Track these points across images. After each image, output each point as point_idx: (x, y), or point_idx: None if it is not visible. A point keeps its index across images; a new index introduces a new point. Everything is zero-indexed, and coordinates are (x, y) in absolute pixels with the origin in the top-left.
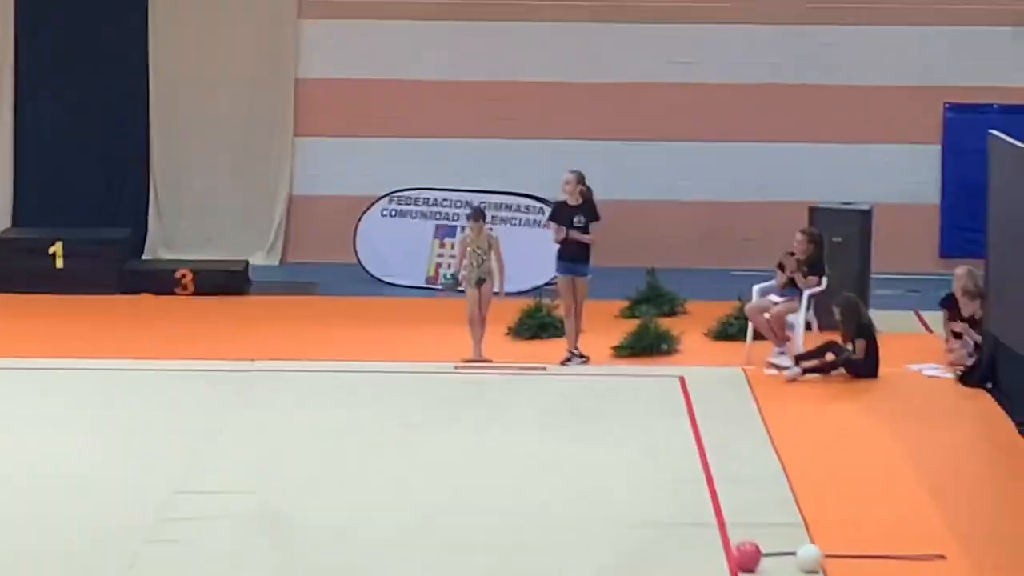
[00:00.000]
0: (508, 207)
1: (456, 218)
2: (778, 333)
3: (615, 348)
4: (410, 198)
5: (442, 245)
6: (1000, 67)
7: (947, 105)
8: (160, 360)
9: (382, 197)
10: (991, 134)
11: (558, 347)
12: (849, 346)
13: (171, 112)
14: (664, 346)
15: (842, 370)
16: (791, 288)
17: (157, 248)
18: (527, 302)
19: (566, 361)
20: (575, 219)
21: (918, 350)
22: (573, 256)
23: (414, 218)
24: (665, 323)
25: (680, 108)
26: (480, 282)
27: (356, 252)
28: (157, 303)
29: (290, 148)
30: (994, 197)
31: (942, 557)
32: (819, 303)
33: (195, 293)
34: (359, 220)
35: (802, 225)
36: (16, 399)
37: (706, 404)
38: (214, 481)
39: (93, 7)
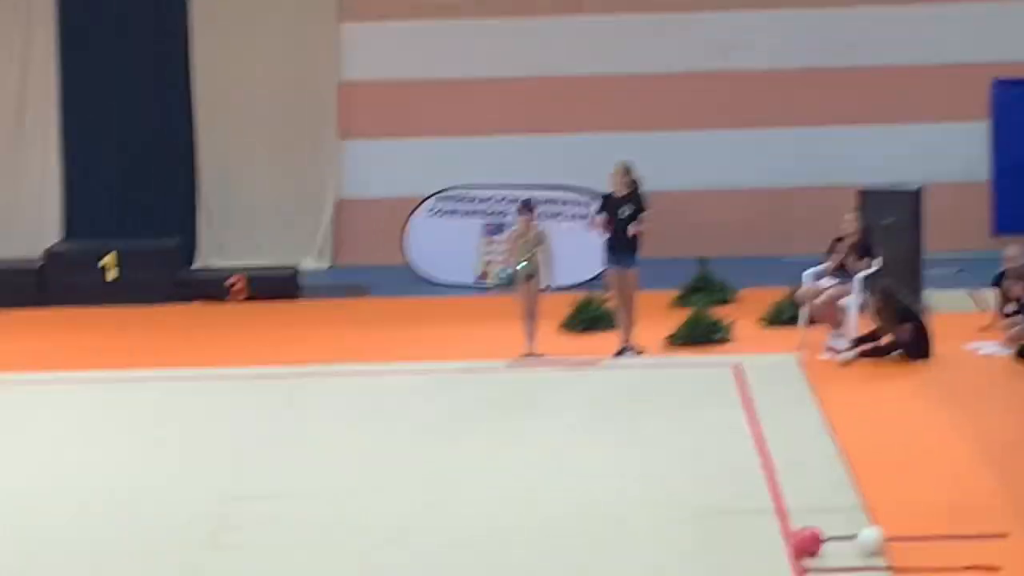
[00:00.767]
0: (555, 202)
1: (504, 215)
2: (832, 317)
3: (668, 338)
4: (457, 197)
5: (490, 243)
6: None
7: (995, 81)
8: (214, 367)
9: (429, 197)
10: None
11: (611, 340)
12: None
13: (216, 119)
14: (717, 335)
15: (897, 353)
16: (843, 272)
17: (208, 256)
18: (578, 296)
19: (619, 353)
20: (621, 210)
21: (974, 328)
22: (621, 248)
23: (462, 216)
24: (717, 312)
25: (725, 96)
26: (530, 276)
27: (405, 253)
28: (209, 311)
29: (336, 151)
30: None
31: (1005, 535)
32: (874, 286)
33: (247, 299)
34: (407, 220)
35: (852, 209)
36: (73, 411)
37: (761, 391)
38: (271, 486)
39: (135, 16)
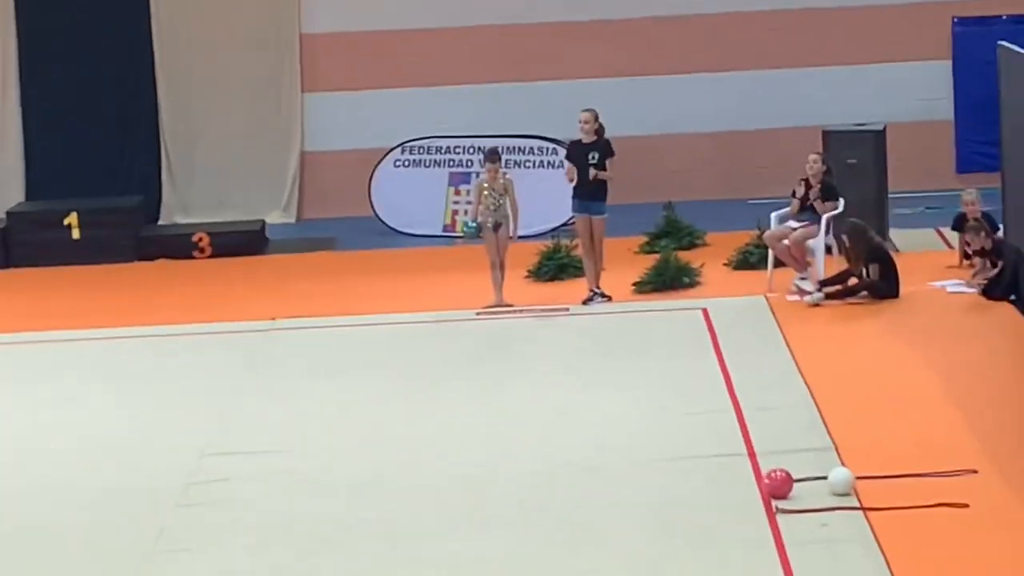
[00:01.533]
0: (521, 150)
1: (470, 164)
2: (799, 259)
3: (636, 284)
4: (422, 147)
5: (457, 192)
6: None
7: (955, 19)
8: (181, 324)
9: (394, 148)
10: (1000, 45)
11: (579, 287)
12: (863, 273)
13: (178, 75)
14: (685, 279)
15: (864, 294)
16: (809, 213)
17: (172, 213)
18: (545, 244)
19: (588, 300)
20: (590, 156)
21: (940, 267)
22: (589, 195)
23: (427, 167)
24: (685, 256)
25: (685, 41)
26: (497, 226)
27: (372, 204)
28: (175, 268)
29: (299, 105)
30: (1006, 109)
31: (974, 472)
32: (839, 226)
33: (213, 256)
34: (373, 172)
35: (816, 149)
36: (40, 371)
37: (730, 334)
38: (241, 442)
39: None
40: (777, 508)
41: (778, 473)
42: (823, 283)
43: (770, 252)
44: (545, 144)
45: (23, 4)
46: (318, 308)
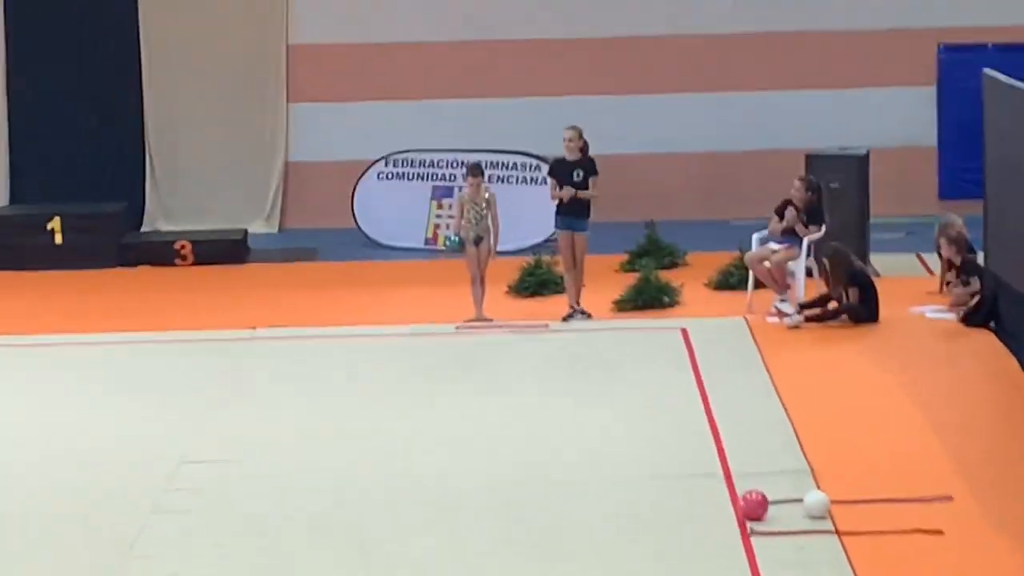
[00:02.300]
0: (504, 165)
1: (453, 179)
2: (779, 281)
3: (616, 302)
4: (406, 160)
5: (439, 206)
6: (993, 5)
7: (941, 45)
8: (161, 332)
9: (378, 160)
10: (986, 73)
11: (559, 304)
12: (842, 296)
13: (164, 83)
14: (665, 298)
15: (844, 317)
16: (791, 235)
17: (155, 220)
18: (527, 260)
19: (568, 317)
20: (575, 173)
21: (920, 292)
22: (573, 212)
23: (410, 180)
24: (666, 275)
25: (672, 60)
26: (478, 240)
27: (354, 216)
28: (156, 275)
29: (284, 115)
30: (990, 136)
31: (949, 498)
32: (819, 250)
33: (194, 263)
34: (356, 184)
35: (800, 172)
36: (19, 374)
37: (709, 354)
38: (218, 450)
39: None
40: (752, 530)
41: (754, 495)
42: (803, 306)
43: (750, 273)
44: (528, 160)
45: (11, 9)
46: (298, 318)
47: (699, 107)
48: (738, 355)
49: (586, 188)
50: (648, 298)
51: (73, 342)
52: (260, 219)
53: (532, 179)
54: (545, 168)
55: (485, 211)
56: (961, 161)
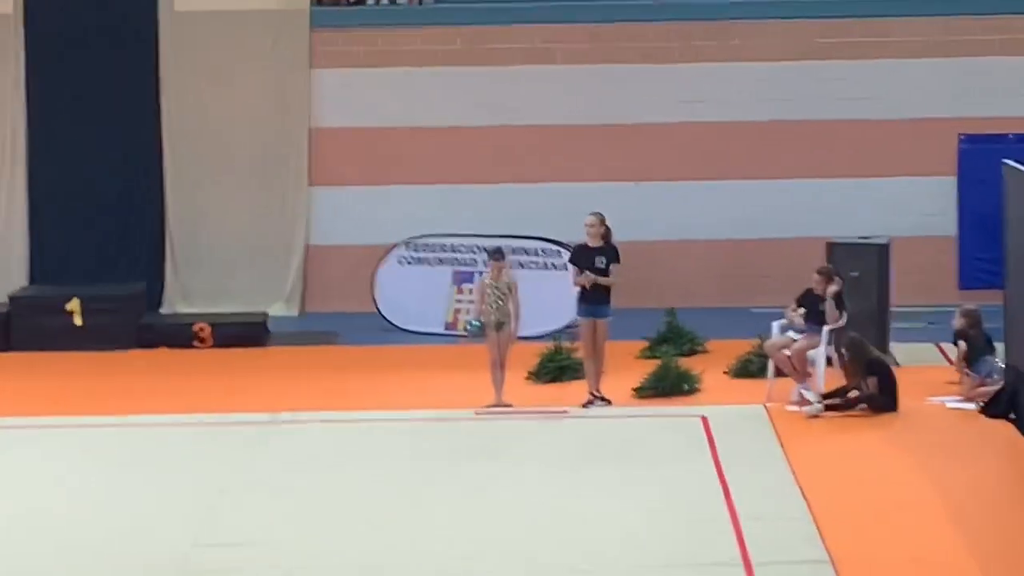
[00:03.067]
0: (525, 251)
1: (473, 263)
2: (799, 370)
3: (636, 389)
4: (427, 245)
5: (460, 291)
6: (1013, 96)
7: (961, 136)
8: (179, 414)
9: (399, 245)
10: (1006, 164)
11: (579, 390)
12: (861, 386)
13: (185, 164)
14: (685, 386)
15: (863, 406)
16: (811, 324)
17: (175, 302)
18: (546, 345)
19: (588, 404)
20: (596, 260)
21: (940, 383)
22: (595, 299)
23: (431, 265)
24: (686, 363)
25: (693, 148)
26: (500, 325)
27: (375, 300)
28: (175, 357)
29: (306, 198)
30: (1011, 227)
31: None
32: (839, 339)
33: (214, 346)
34: (376, 268)
35: (819, 261)
36: (38, 456)
37: (729, 443)
38: (234, 534)
39: (104, 60)
40: None
41: None
42: (825, 396)
43: (770, 362)
44: (549, 246)
45: (33, 90)
46: (318, 402)
47: (720, 194)
48: (758, 443)
49: (607, 275)
50: (668, 385)
51: (90, 424)
52: (280, 302)
53: (553, 265)
54: (566, 254)
55: (507, 296)
56: (981, 251)
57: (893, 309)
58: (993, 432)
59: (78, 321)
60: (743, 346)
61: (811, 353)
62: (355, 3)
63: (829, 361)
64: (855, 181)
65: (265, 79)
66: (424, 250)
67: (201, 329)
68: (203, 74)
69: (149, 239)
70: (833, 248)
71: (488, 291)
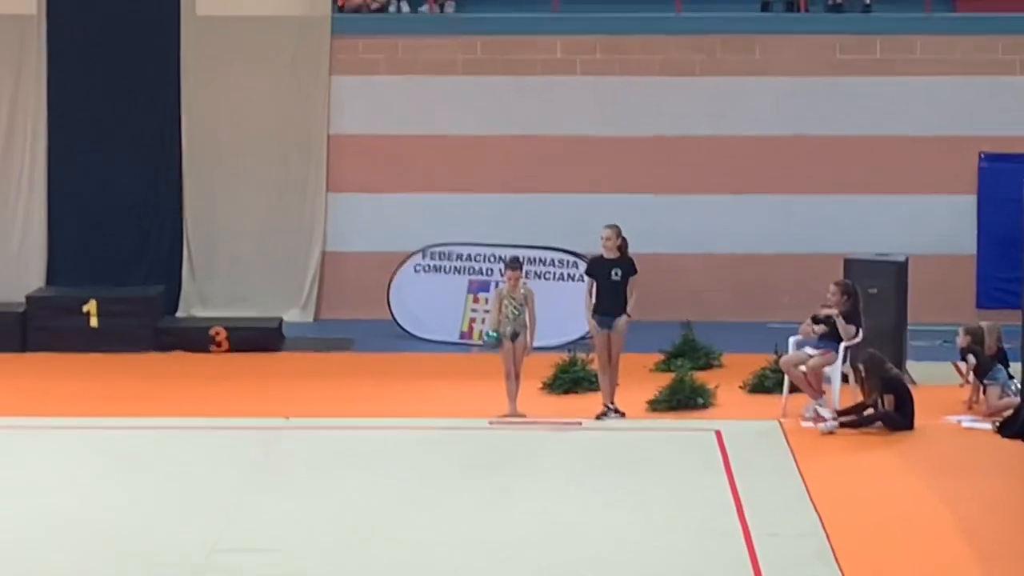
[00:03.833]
0: (542, 261)
1: (490, 273)
2: (815, 386)
3: (651, 402)
4: (443, 253)
5: (476, 300)
6: None
7: (982, 154)
8: (194, 418)
9: (415, 252)
10: None
11: (593, 401)
12: (877, 403)
13: (204, 169)
14: (700, 400)
15: (878, 424)
16: (827, 340)
17: (191, 305)
18: (561, 356)
19: (602, 415)
20: (612, 273)
21: (956, 401)
22: (610, 310)
23: (447, 273)
24: (701, 376)
25: (712, 161)
26: (515, 335)
27: (390, 308)
28: (191, 360)
29: (323, 204)
30: None
31: None
32: (855, 356)
33: (229, 350)
34: (392, 276)
35: (837, 277)
36: (54, 458)
37: (743, 458)
38: (248, 539)
39: (124, 66)
40: None
41: None
42: (840, 412)
43: (786, 377)
44: (566, 257)
45: (53, 92)
46: (331, 408)
47: (738, 208)
48: (772, 459)
49: (624, 286)
50: (683, 399)
51: (105, 426)
52: (296, 308)
53: (569, 276)
54: (583, 265)
55: (523, 306)
56: (1000, 271)
57: (910, 327)
58: (1009, 452)
59: (94, 323)
60: (759, 361)
61: (827, 370)
62: (376, 10)
63: (845, 378)
64: (874, 197)
65: (285, 85)
66: (440, 258)
67: (217, 333)
68: (223, 78)
69: (167, 243)
70: (851, 264)
71: (504, 301)
